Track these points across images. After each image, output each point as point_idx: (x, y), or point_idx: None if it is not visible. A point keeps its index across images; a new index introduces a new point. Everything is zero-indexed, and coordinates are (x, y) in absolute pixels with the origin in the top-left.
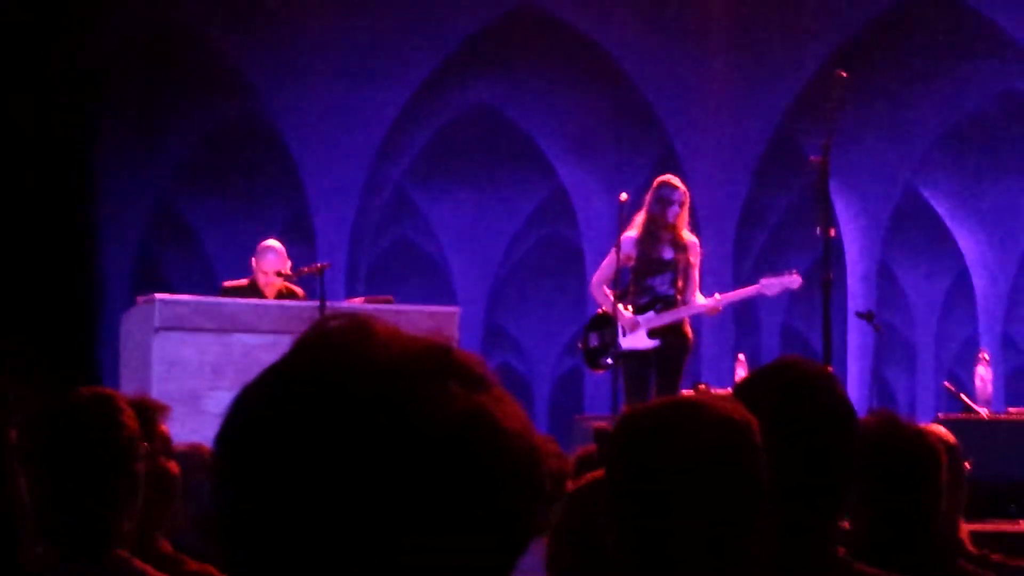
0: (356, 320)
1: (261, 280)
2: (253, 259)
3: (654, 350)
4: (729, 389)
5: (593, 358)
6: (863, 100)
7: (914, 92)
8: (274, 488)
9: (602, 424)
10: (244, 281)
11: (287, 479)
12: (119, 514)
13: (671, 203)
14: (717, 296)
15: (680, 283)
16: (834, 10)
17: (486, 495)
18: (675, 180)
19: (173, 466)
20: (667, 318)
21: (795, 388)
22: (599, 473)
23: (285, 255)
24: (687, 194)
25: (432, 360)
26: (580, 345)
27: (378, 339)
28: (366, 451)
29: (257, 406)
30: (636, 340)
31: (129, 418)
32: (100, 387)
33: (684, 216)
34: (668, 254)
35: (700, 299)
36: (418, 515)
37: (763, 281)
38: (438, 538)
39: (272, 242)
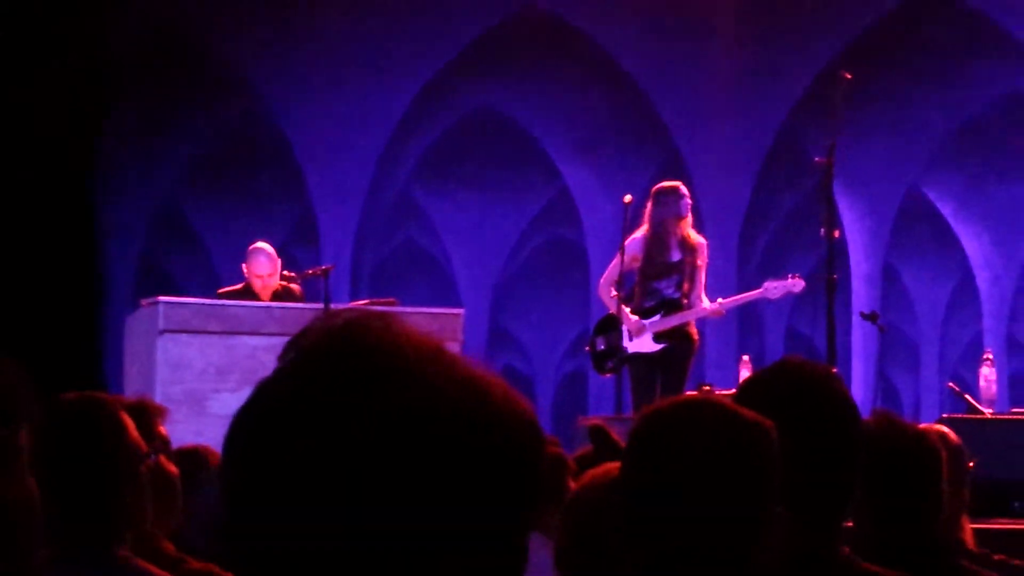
0: (354, 321)
1: (256, 284)
2: (244, 265)
3: (660, 353)
4: (733, 390)
5: (600, 362)
6: (868, 101)
7: (919, 93)
8: (298, 487)
9: (596, 421)
10: (238, 286)
11: (309, 478)
12: (120, 515)
13: (677, 201)
14: (720, 300)
15: (686, 286)
16: (839, 11)
17: (491, 468)
18: (670, 182)
19: (173, 468)
20: (673, 322)
21: (799, 388)
22: (601, 470)
23: (276, 256)
24: (685, 188)
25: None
26: (587, 349)
27: (373, 333)
28: (381, 443)
29: (274, 416)
30: (642, 344)
31: (122, 420)
32: (91, 391)
33: (689, 216)
34: (675, 256)
35: (705, 302)
36: (434, 500)
37: (766, 285)
38: (457, 537)
39: (262, 244)
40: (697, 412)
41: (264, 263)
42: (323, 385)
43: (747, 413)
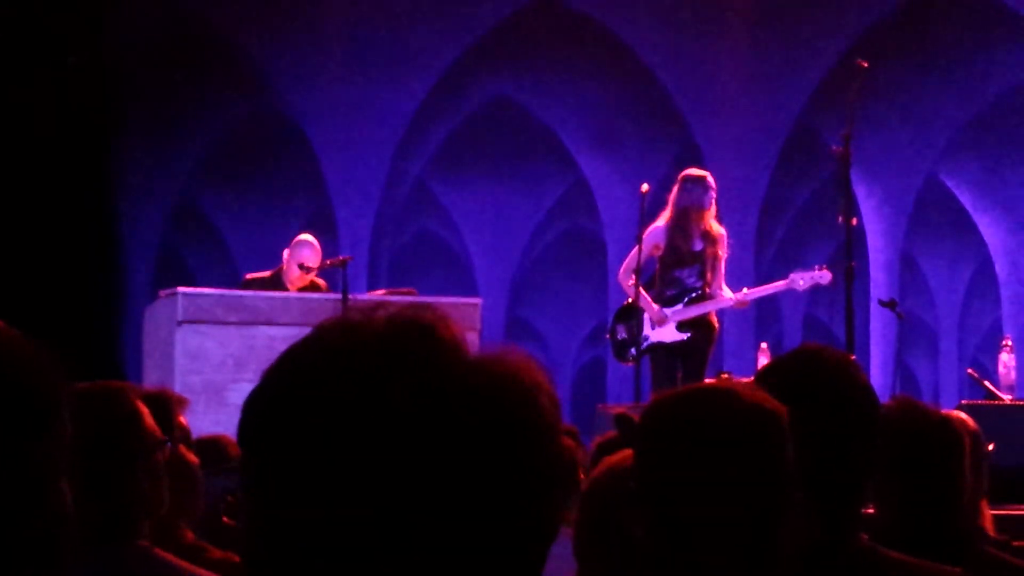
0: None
1: (293, 273)
2: (286, 251)
3: (681, 342)
4: (752, 378)
5: (621, 350)
6: (885, 89)
7: (936, 81)
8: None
9: (622, 410)
10: (267, 273)
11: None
12: (136, 504)
13: (704, 192)
14: (745, 290)
15: (708, 276)
16: (855, 0)
17: (517, 463)
18: (699, 170)
19: (192, 457)
20: (696, 311)
21: (817, 375)
22: (615, 458)
23: (320, 251)
24: (713, 179)
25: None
26: (608, 336)
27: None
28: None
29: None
30: (665, 333)
31: (137, 408)
32: (110, 381)
33: (713, 208)
34: (698, 246)
35: (728, 293)
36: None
37: (792, 276)
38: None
39: (308, 236)
40: (706, 399)
41: (310, 255)
42: (381, 379)
43: (758, 398)
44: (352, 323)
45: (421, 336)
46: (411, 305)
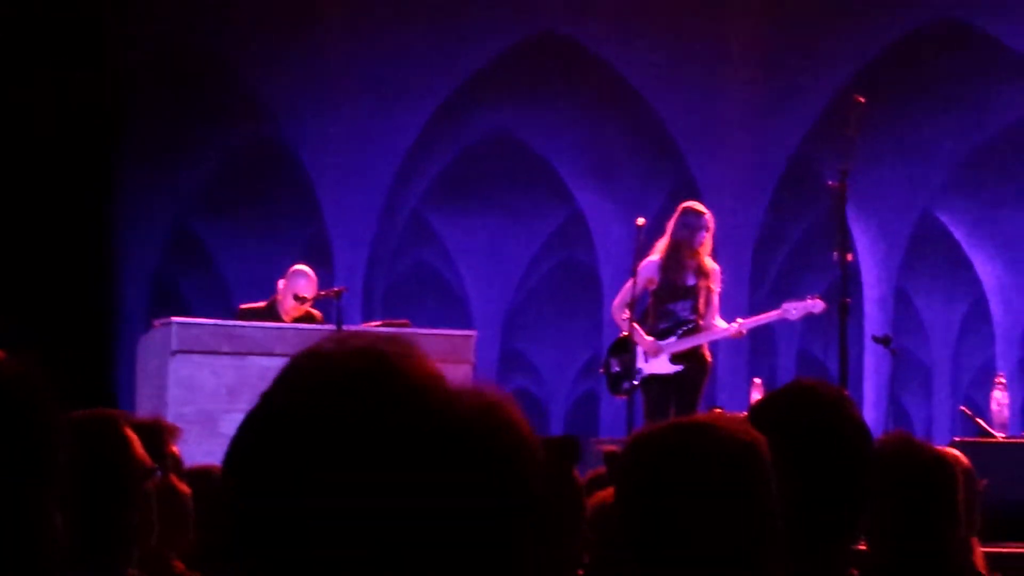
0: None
1: (288, 303)
2: (282, 280)
3: (675, 375)
4: (745, 413)
5: (615, 383)
6: (881, 125)
7: (932, 118)
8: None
9: (612, 448)
10: (262, 303)
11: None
12: (126, 532)
13: (698, 229)
14: (739, 321)
15: (702, 308)
16: (852, 36)
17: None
18: (701, 206)
19: (184, 487)
20: (690, 343)
21: (811, 410)
22: (610, 491)
23: (316, 281)
24: (712, 220)
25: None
26: (602, 370)
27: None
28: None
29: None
30: (658, 365)
31: (127, 436)
32: (101, 409)
33: (709, 243)
34: (691, 280)
35: (722, 324)
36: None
37: (785, 305)
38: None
39: (304, 267)
40: (684, 433)
41: (305, 286)
42: (346, 408)
43: (736, 430)
44: (322, 352)
45: (388, 366)
46: (384, 335)
